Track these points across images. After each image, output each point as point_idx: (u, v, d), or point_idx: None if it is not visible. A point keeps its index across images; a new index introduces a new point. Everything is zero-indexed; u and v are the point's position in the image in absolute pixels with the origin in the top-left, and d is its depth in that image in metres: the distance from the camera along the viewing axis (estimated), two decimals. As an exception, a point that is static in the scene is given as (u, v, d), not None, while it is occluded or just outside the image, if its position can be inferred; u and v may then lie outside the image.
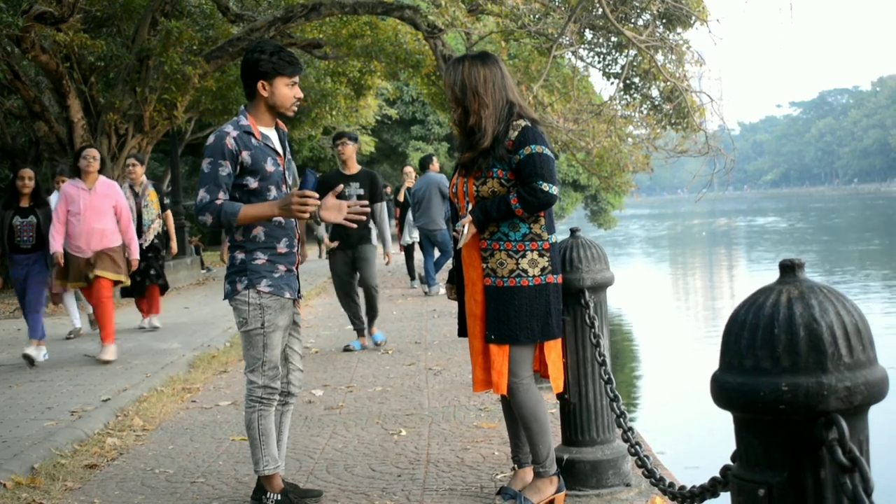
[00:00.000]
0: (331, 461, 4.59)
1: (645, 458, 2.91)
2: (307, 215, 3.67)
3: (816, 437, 1.49)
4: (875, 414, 1.58)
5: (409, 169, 13.98)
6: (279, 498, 3.79)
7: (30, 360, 7.45)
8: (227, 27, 14.54)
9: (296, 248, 3.90)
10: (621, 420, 3.31)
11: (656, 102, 14.08)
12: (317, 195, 3.66)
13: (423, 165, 12.29)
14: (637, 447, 3.04)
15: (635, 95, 14.38)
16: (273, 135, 3.87)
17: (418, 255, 13.40)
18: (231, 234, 3.79)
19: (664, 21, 12.85)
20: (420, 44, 14.03)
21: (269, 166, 3.77)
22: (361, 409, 5.74)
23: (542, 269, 3.58)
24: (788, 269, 1.60)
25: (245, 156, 3.70)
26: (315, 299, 12.58)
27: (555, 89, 13.61)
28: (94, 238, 7.54)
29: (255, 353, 3.76)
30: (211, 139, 3.73)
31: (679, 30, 13.08)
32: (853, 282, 20.64)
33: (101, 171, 7.86)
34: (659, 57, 12.51)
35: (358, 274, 7.93)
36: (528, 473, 3.75)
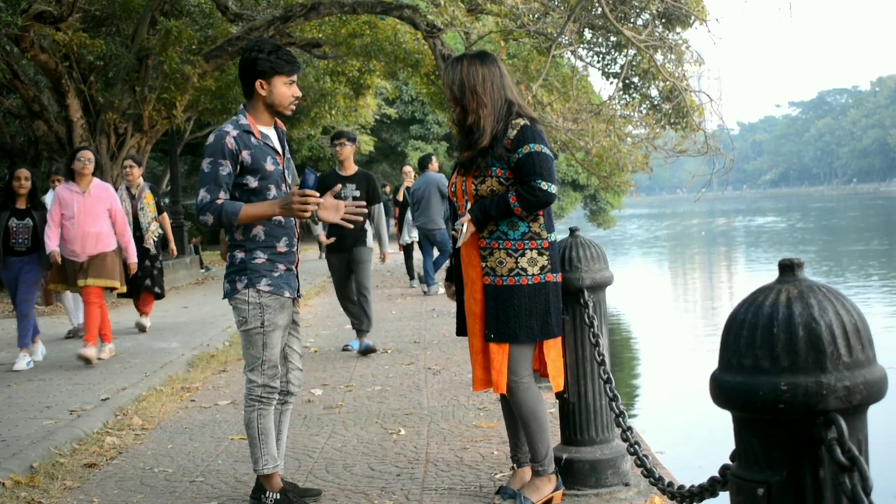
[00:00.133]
0: (330, 460, 4.59)
1: (644, 458, 2.92)
2: (308, 214, 3.67)
3: (815, 436, 1.49)
4: (874, 413, 1.58)
5: (408, 168, 13.98)
6: (278, 497, 3.79)
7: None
8: (227, 26, 14.54)
9: (295, 248, 3.90)
10: (620, 419, 3.31)
11: (655, 102, 14.08)
12: (318, 194, 3.67)
13: (423, 165, 12.29)
14: (636, 446, 3.04)
15: (634, 95, 14.38)
16: (272, 134, 3.87)
17: (417, 255, 13.41)
18: (231, 233, 3.79)
19: (663, 21, 12.85)
20: (419, 43, 14.03)
21: (269, 165, 3.77)
22: (360, 409, 5.74)
23: (542, 268, 3.58)
24: (788, 269, 1.60)
25: (245, 155, 3.70)
26: (314, 299, 12.58)
27: (554, 89, 13.61)
28: (88, 242, 7.47)
29: (255, 352, 3.76)
30: (211, 138, 3.72)
31: (678, 29, 13.09)
32: (852, 281, 20.65)
33: (100, 171, 7.81)
34: (658, 56, 12.52)
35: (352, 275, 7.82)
36: (527, 473, 3.76)
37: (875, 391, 1.51)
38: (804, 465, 1.52)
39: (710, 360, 1.75)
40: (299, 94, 3.87)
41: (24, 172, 7.76)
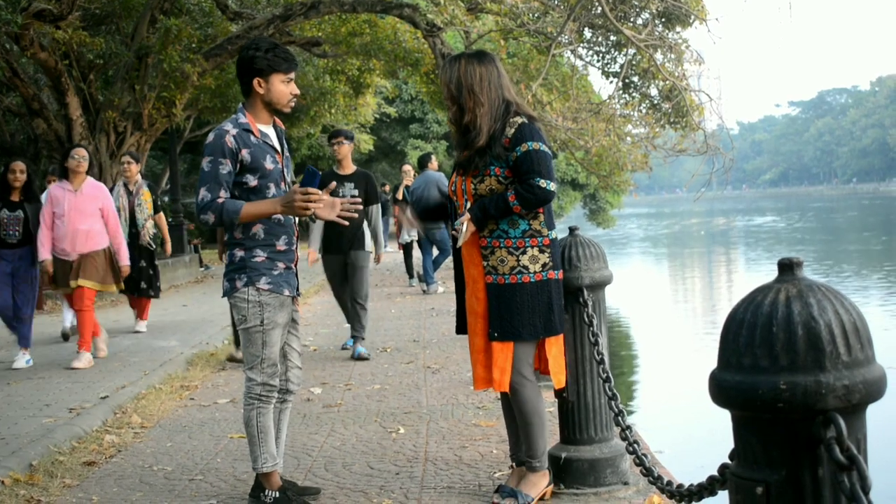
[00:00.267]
0: (329, 459, 4.59)
1: (643, 457, 2.92)
2: (310, 212, 3.67)
3: (814, 435, 1.50)
4: (873, 412, 1.58)
5: (407, 167, 13.97)
6: (277, 495, 3.79)
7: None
8: (226, 25, 14.54)
9: (294, 246, 3.90)
10: (619, 418, 3.31)
11: (655, 101, 14.08)
12: (319, 192, 3.67)
13: (422, 164, 12.28)
14: (635, 445, 3.04)
15: (634, 94, 14.39)
16: (271, 132, 3.87)
17: (417, 254, 13.41)
18: (231, 231, 3.79)
19: (663, 20, 12.86)
20: (419, 42, 14.03)
21: (269, 164, 3.77)
22: (360, 407, 5.75)
23: (543, 266, 3.59)
24: (787, 268, 1.60)
25: (245, 153, 3.70)
26: (314, 297, 12.58)
27: (554, 88, 13.61)
28: (78, 239, 7.40)
29: (254, 350, 3.76)
30: (210, 137, 3.72)
31: (678, 29, 13.10)
32: (852, 280, 20.66)
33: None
34: (658, 56, 12.52)
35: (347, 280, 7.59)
36: (524, 471, 3.76)
37: (874, 390, 1.52)
38: (803, 464, 1.52)
39: (710, 360, 1.75)
40: (297, 91, 3.87)
41: (19, 165, 7.67)
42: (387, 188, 22.76)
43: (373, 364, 7.27)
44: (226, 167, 3.67)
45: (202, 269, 17.53)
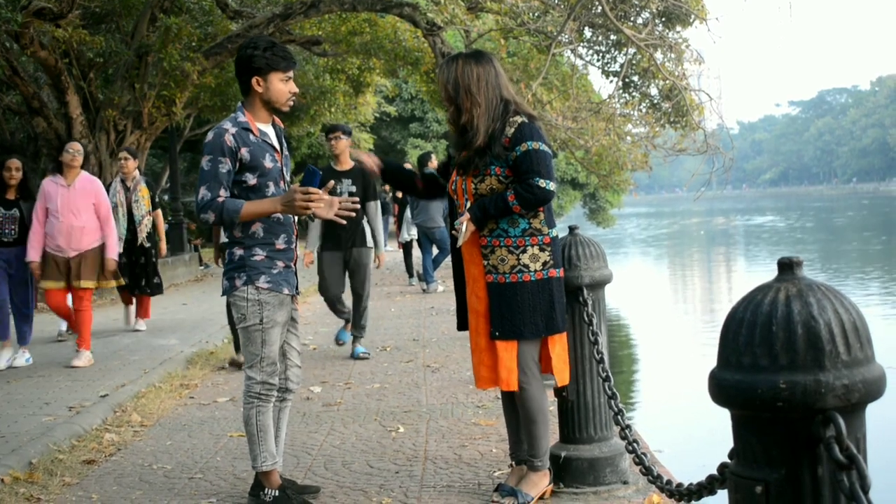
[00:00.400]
0: (329, 457, 4.59)
1: (642, 456, 2.92)
2: (310, 212, 3.67)
3: (814, 434, 1.50)
4: (873, 412, 1.58)
5: (407, 166, 13.95)
6: (277, 494, 3.79)
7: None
8: (226, 24, 14.53)
9: (294, 245, 3.90)
10: (619, 417, 3.31)
11: (655, 101, 14.08)
12: (319, 192, 3.66)
13: (422, 163, 12.27)
14: (635, 444, 3.04)
15: (634, 94, 14.38)
16: (270, 131, 3.87)
17: (416, 253, 13.41)
18: (230, 230, 3.79)
19: (663, 19, 12.85)
20: (419, 41, 14.02)
21: (268, 163, 3.77)
22: (359, 406, 5.75)
23: (544, 264, 3.59)
24: (787, 267, 1.60)
25: (244, 152, 3.70)
26: (313, 296, 12.57)
27: (554, 87, 13.61)
28: (73, 237, 7.31)
29: (254, 349, 3.76)
30: (210, 136, 3.72)
31: (678, 28, 13.08)
32: (851, 279, 20.66)
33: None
34: (658, 55, 12.51)
35: (348, 278, 7.48)
36: (524, 469, 3.77)
37: (873, 390, 1.52)
38: (802, 464, 1.52)
39: (709, 359, 1.75)
40: (296, 90, 3.86)
41: (14, 162, 7.54)
42: (387, 187, 22.74)
43: (372, 363, 7.27)
44: (225, 166, 3.67)
45: (202, 267, 17.53)
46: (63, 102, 12.93)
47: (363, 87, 17.58)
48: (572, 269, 3.79)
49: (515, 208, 3.53)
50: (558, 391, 3.86)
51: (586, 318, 3.74)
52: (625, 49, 13.04)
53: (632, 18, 12.97)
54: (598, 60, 14.49)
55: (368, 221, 7.44)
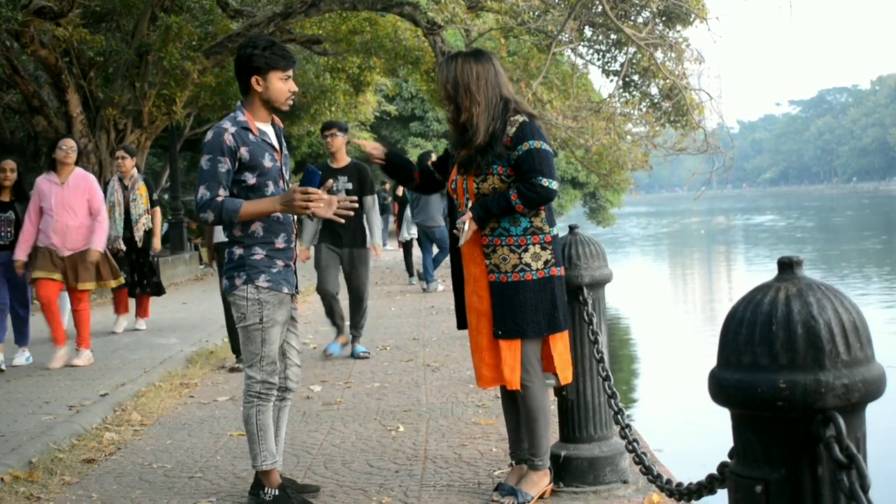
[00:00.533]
0: (328, 457, 4.59)
1: (642, 455, 2.92)
2: (309, 211, 3.67)
3: (814, 434, 1.50)
4: (873, 412, 1.58)
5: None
6: (277, 493, 3.79)
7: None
8: (227, 23, 14.53)
9: (293, 244, 3.90)
10: (619, 417, 3.31)
11: (655, 100, 14.08)
12: (319, 191, 3.66)
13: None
14: (634, 444, 3.04)
15: (634, 93, 14.39)
16: (270, 130, 3.87)
17: (416, 252, 13.41)
18: (230, 230, 3.79)
19: (664, 18, 12.85)
20: (419, 40, 14.02)
21: (267, 162, 3.76)
22: (359, 405, 5.75)
23: (546, 263, 3.60)
24: (787, 267, 1.60)
25: (243, 152, 3.70)
26: (313, 295, 12.55)
27: (554, 86, 13.61)
28: (69, 236, 7.22)
29: (254, 348, 3.76)
30: (209, 135, 3.72)
31: (678, 27, 13.09)
32: (851, 279, 20.66)
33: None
34: (658, 54, 12.52)
35: (348, 278, 7.43)
36: (524, 469, 3.77)
37: (873, 389, 1.51)
38: (802, 463, 1.52)
39: (709, 358, 1.75)
40: (295, 89, 3.86)
41: (9, 164, 7.41)
42: (387, 186, 22.75)
43: (372, 362, 7.27)
44: (225, 165, 3.67)
45: (202, 266, 17.53)
46: (63, 101, 12.93)
47: (363, 86, 17.58)
48: (572, 268, 3.79)
49: (518, 207, 3.53)
50: (558, 390, 3.86)
51: (586, 318, 3.74)
52: (625, 48, 13.04)
53: (632, 18, 12.97)
54: (598, 60, 14.50)
55: (364, 214, 7.37)
